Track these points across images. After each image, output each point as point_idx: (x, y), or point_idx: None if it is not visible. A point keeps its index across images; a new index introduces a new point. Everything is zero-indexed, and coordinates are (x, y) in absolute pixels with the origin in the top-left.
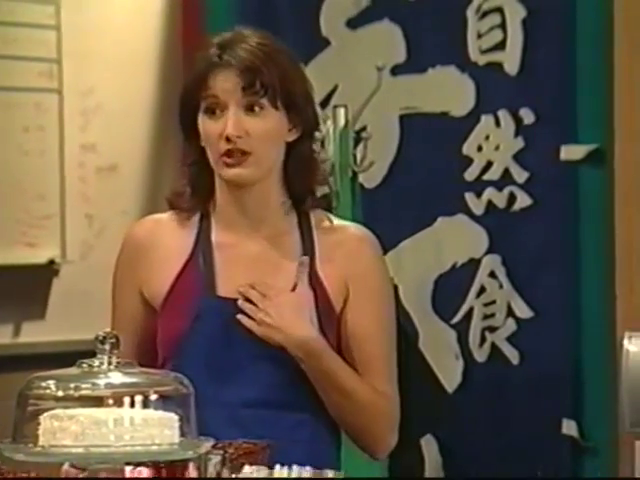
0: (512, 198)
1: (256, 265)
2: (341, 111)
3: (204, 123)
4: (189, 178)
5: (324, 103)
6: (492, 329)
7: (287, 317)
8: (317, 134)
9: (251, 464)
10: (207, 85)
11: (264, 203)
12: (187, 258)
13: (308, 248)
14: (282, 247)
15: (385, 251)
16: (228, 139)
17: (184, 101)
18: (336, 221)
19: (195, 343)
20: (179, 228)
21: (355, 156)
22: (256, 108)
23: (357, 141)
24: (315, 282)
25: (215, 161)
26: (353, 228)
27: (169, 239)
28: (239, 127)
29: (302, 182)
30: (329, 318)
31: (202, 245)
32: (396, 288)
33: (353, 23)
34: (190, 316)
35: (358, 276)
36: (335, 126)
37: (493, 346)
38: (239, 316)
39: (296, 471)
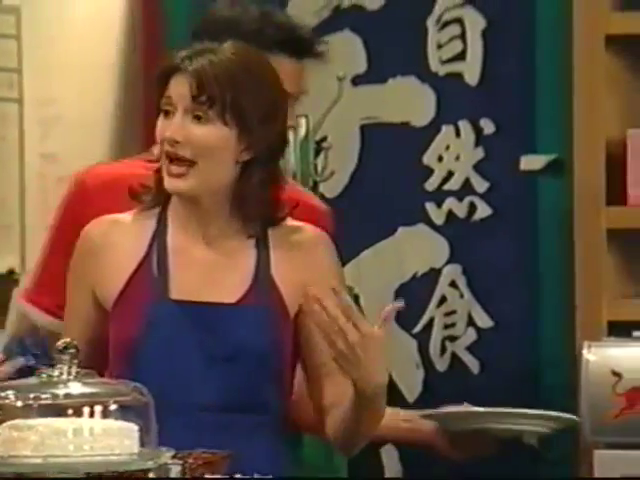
0: (472, 208)
1: (208, 269)
2: (302, 121)
3: (159, 123)
4: (153, 174)
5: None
6: (453, 338)
7: (371, 357)
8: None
9: (211, 474)
10: (166, 86)
11: (213, 216)
12: (141, 259)
13: (263, 252)
14: (235, 251)
15: (346, 261)
16: (169, 142)
17: (155, 96)
18: (290, 222)
19: (148, 347)
20: (135, 229)
21: (316, 166)
22: (203, 118)
23: (318, 151)
24: (271, 290)
25: (162, 165)
26: (309, 229)
27: (124, 240)
28: (180, 132)
29: (249, 207)
30: (285, 324)
31: (157, 247)
32: (357, 298)
33: (314, 33)
34: (143, 320)
35: (315, 278)
36: (296, 136)
37: (454, 355)
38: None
39: None
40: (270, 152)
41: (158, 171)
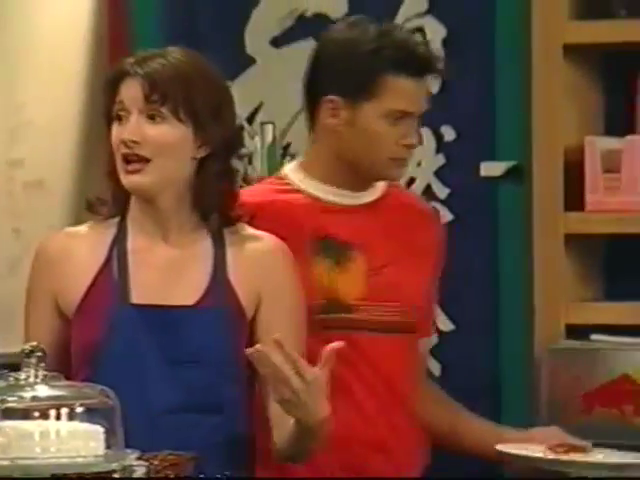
0: None
1: (167, 273)
2: (269, 128)
3: (113, 129)
4: (109, 187)
5: (250, 120)
6: None
7: (315, 399)
8: (243, 151)
9: (176, 475)
10: (117, 92)
11: (172, 215)
12: (101, 266)
13: (219, 255)
14: (193, 255)
15: None
16: (126, 143)
17: (103, 108)
18: (247, 230)
19: (109, 351)
20: (94, 237)
21: None
22: (157, 117)
23: (285, 157)
24: (228, 292)
25: (119, 168)
26: (266, 238)
27: (83, 248)
28: (137, 132)
29: (207, 200)
30: (241, 326)
31: (117, 252)
32: None
33: (278, 42)
34: (104, 324)
35: (270, 284)
36: (263, 142)
37: None
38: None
39: None
40: (225, 148)
41: (113, 180)
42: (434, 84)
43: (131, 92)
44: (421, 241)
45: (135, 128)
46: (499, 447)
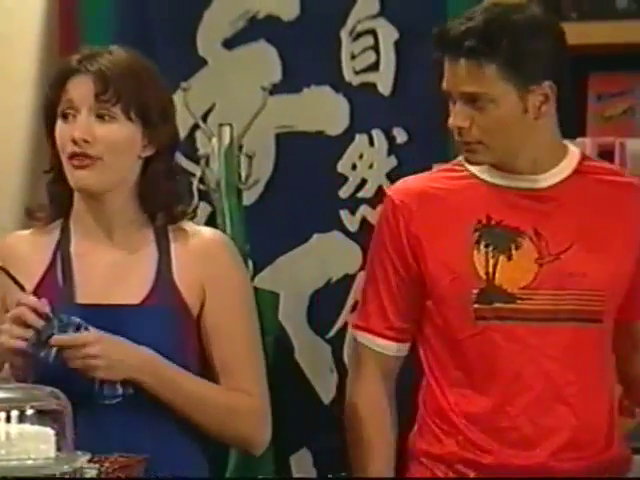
0: None
1: (112, 272)
2: (226, 130)
3: (58, 127)
4: (48, 186)
5: (202, 121)
6: None
7: (117, 352)
8: (201, 152)
9: (127, 477)
10: (64, 89)
11: (118, 214)
12: (45, 269)
13: (164, 255)
14: (138, 255)
15: (262, 267)
16: (75, 142)
17: (45, 106)
18: (190, 227)
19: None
20: (38, 241)
21: (240, 174)
22: (107, 117)
23: (239, 159)
24: (172, 290)
25: (65, 166)
26: (207, 232)
27: (27, 253)
28: (87, 131)
29: (155, 199)
30: (187, 324)
31: (61, 254)
32: (277, 296)
33: (229, 43)
34: None
35: (213, 277)
36: (220, 144)
37: None
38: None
39: None
40: (170, 146)
41: (52, 184)
42: (386, 87)
43: (81, 90)
44: (619, 221)
45: (85, 127)
46: None
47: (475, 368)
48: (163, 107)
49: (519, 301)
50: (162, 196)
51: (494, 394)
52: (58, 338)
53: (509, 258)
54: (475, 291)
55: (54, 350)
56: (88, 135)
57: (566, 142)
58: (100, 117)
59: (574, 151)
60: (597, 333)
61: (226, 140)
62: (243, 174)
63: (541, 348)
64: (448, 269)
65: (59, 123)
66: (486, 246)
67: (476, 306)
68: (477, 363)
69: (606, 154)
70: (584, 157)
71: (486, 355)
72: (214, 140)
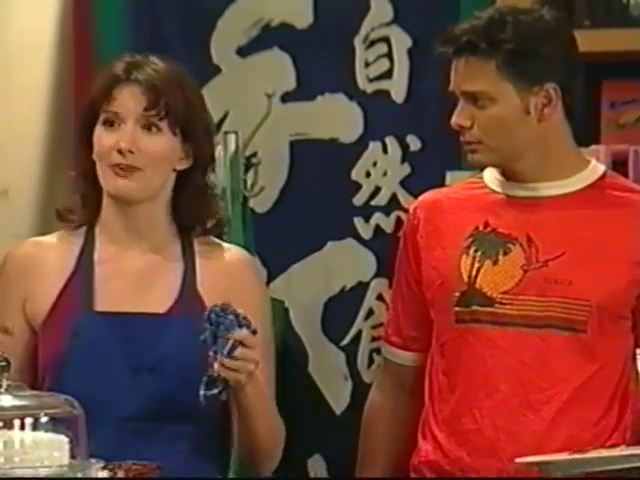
0: (399, 223)
1: (135, 280)
2: (232, 137)
3: (100, 135)
4: (79, 190)
5: (217, 128)
6: (380, 351)
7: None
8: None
9: None
10: (111, 98)
11: (148, 224)
12: (70, 274)
13: (189, 267)
14: (162, 264)
15: (275, 275)
16: (120, 152)
17: (85, 111)
18: (216, 242)
19: (73, 358)
20: (63, 246)
21: (245, 182)
22: (153, 128)
23: (247, 167)
24: (197, 302)
25: (103, 173)
26: (234, 249)
27: (52, 257)
28: (133, 142)
29: (191, 212)
30: None
31: (84, 260)
32: (286, 311)
33: (243, 51)
34: (69, 332)
35: (237, 296)
36: (226, 152)
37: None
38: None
39: None
40: (205, 161)
41: (88, 184)
42: (400, 94)
43: (130, 100)
44: (622, 236)
45: (131, 138)
46: None
47: (454, 372)
48: (207, 125)
49: (498, 305)
50: (197, 210)
51: (463, 396)
52: (242, 334)
53: (495, 263)
54: (457, 294)
55: (230, 344)
56: (133, 146)
57: (589, 157)
58: (146, 128)
59: (596, 167)
60: (579, 343)
61: (231, 148)
62: (249, 182)
63: (514, 353)
64: (438, 273)
65: (100, 130)
66: (475, 251)
67: (457, 309)
68: (456, 367)
69: (620, 162)
70: (607, 174)
71: (462, 358)
72: (219, 148)
